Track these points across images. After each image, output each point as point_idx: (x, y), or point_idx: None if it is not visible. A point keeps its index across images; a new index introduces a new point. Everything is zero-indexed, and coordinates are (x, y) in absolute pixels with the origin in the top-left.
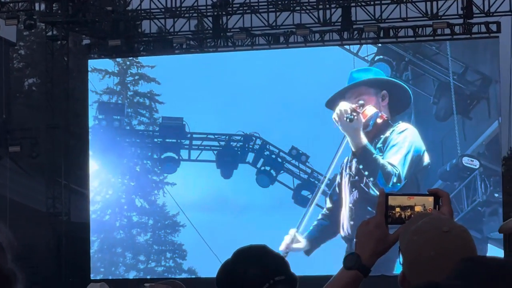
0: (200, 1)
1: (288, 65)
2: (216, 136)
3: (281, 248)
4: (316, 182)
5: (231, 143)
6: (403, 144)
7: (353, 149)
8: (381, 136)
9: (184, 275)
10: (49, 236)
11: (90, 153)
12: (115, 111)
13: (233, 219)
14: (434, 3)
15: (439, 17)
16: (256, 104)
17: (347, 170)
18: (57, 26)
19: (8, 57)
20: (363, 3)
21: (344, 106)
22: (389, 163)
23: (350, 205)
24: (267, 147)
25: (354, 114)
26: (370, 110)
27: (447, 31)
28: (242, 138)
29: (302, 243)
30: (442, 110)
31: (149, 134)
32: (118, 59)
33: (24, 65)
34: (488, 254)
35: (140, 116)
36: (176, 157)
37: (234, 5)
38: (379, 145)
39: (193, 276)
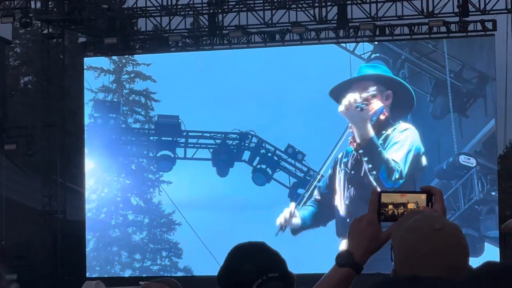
0: None
1: (284, 63)
2: (212, 134)
3: (278, 222)
4: (313, 180)
5: (227, 141)
6: (405, 142)
7: (358, 141)
8: (383, 132)
9: (179, 274)
10: (45, 234)
11: (86, 151)
12: (110, 109)
13: (229, 217)
14: (430, 1)
15: (435, 15)
16: (252, 102)
17: (342, 165)
18: (53, 24)
19: (3, 55)
20: (359, 1)
21: (354, 95)
22: (392, 159)
23: (347, 202)
24: (263, 145)
25: (366, 103)
26: (376, 104)
27: (443, 29)
28: (238, 136)
29: (298, 219)
30: (438, 108)
31: (144, 132)
32: (114, 57)
33: (20, 63)
34: (484, 253)
35: (135, 114)
36: (172, 155)
37: (230, 3)
38: (380, 141)
39: (189, 275)
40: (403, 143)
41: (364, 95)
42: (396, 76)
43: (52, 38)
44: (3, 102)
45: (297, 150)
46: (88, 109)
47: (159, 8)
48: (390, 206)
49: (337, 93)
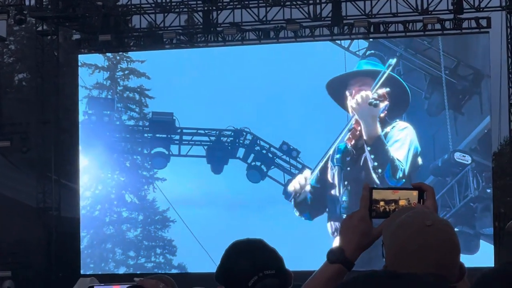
0: None
1: (278, 60)
2: (206, 131)
3: (292, 187)
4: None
5: (222, 138)
6: (405, 141)
7: (365, 138)
8: (383, 130)
9: (174, 271)
10: (39, 231)
11: (80, 148)
12: (105, 106)
13: (224, 214)
14: None
15: (429, 12)
16: (247, 99)
17: (335, 161)
18: (47, 21)
19: None
20: None
21: (366, 92)
22: (397, 158)
23: (344, 198)
24: (258, 142)
25: (380, 99)
26: (384, 102)
27: (438, 26)
28: (232, 133)
29: (308, 187)
30: (434, 105)
31: (139, 129)
32: (108, 54)
33: (14, 60)
34: (480, 250)
35: (130, 111)
36: (166, 152)
37: (224, 0)
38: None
39: (183, 272)
40: (403, 142)
41: (380, 91)
42: (391, 72)
43: (46, 35)
44: None
45: (291, 147)
46: (82, 106)
47: (153, 5)
48: (382, 203)
49: (335, 84)
